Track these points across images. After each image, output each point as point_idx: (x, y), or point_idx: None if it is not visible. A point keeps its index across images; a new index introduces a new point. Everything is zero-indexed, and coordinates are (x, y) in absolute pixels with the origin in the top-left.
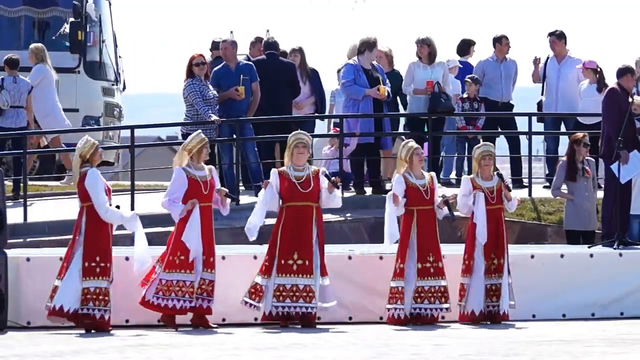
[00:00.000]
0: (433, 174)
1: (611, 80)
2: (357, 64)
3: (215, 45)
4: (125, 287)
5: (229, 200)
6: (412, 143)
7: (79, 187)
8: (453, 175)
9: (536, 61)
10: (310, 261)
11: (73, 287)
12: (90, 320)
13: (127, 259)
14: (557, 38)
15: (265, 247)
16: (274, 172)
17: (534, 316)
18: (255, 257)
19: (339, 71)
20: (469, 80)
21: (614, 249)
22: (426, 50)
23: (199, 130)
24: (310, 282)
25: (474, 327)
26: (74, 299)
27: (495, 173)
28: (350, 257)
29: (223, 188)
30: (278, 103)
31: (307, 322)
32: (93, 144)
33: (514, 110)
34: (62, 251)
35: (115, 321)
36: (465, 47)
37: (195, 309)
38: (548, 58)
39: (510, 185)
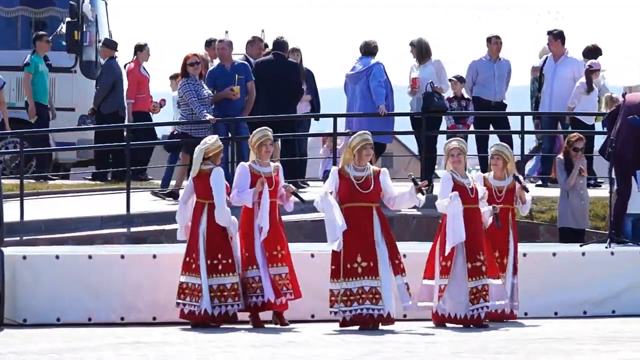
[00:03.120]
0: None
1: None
2: (384, 66)
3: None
4: (122, 286)
5: (293, 197)
6: (454, 143)
7: (200, 183)
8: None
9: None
10: (375, 262)
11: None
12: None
13: (122, 257)
14: (554, 38)
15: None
16: (334, 170)
17: (526, 314)
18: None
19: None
20: (454, 79)
21: (606, 247)
22: (414, 51)
23: (263, 127)
24: (375, 283)
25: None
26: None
27: (512, 175)
28: None
29: (291, 185)
30: (281, 103)
31: (375, 323)
32: (219, 146)
33: (508, 110)
34: (58, 249)
35: (111, 319)
36: (593, 52)
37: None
38: (547, 57)
39: (528, 187)
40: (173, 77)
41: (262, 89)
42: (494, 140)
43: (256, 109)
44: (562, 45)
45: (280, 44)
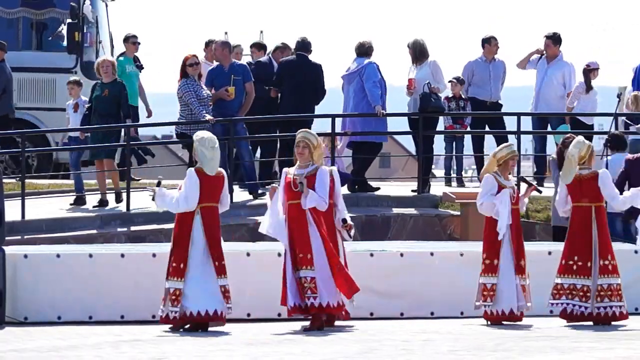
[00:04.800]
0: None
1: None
2: (377, 65)
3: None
4: (122, 285)
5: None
6: (515, 147)
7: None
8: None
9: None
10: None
11: None
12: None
13: (122, 256)
14: (553, 43)
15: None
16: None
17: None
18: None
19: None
20: (454, 80)
21: None
22: (411, 52)
23: (303, 129)
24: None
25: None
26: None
27: (518, 176)
28: None
29: (348, 223)
30: (305, 103)
31: None
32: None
33: (503, 110)
34: (59, 248)
35: (111, 317)
36: None
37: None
38: (542, 56)
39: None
40: (73, 83)
41: (287, 89)
42: (490, 140)
43: (281, 109)
44: (559, 49)
45: (303, 45)
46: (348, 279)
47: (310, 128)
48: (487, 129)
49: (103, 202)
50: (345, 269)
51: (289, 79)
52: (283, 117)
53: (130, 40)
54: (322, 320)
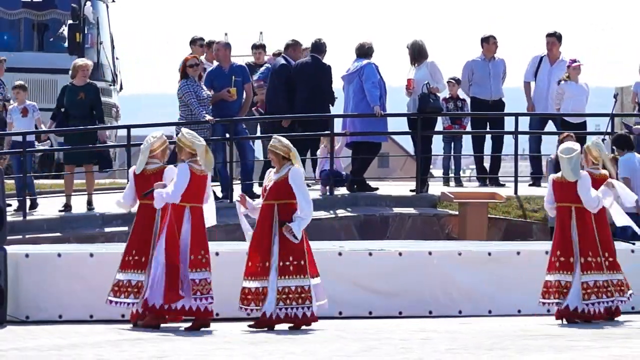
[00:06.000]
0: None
1: (591, 79)
2: (377, 66)
3: None
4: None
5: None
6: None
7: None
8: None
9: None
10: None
11: None
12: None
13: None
14: (558, 40)
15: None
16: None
17: (519, 311)
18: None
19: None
20: (452, 80)
21: None
22: (410, 53)
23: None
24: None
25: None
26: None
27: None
28: (340, 254)
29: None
30: (313, 105)
31: None
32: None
33: (504, 110)
34: (60, 248)
35: (112, 316)
36: None
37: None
38: (542, 57)
39: None
40: (19, 87)
41: (301, 91)
42: (489, 140)
43: (296, 110)
44: (559, 47)
45: (317, 46)
46: (173, 286)
47: (325, 128)
48: (488, 127)
49: (68, 207)
50: (173, 275)
51: (303, 81)
52: (280, 117)
53: (198, 43)
54: (157, 321)
